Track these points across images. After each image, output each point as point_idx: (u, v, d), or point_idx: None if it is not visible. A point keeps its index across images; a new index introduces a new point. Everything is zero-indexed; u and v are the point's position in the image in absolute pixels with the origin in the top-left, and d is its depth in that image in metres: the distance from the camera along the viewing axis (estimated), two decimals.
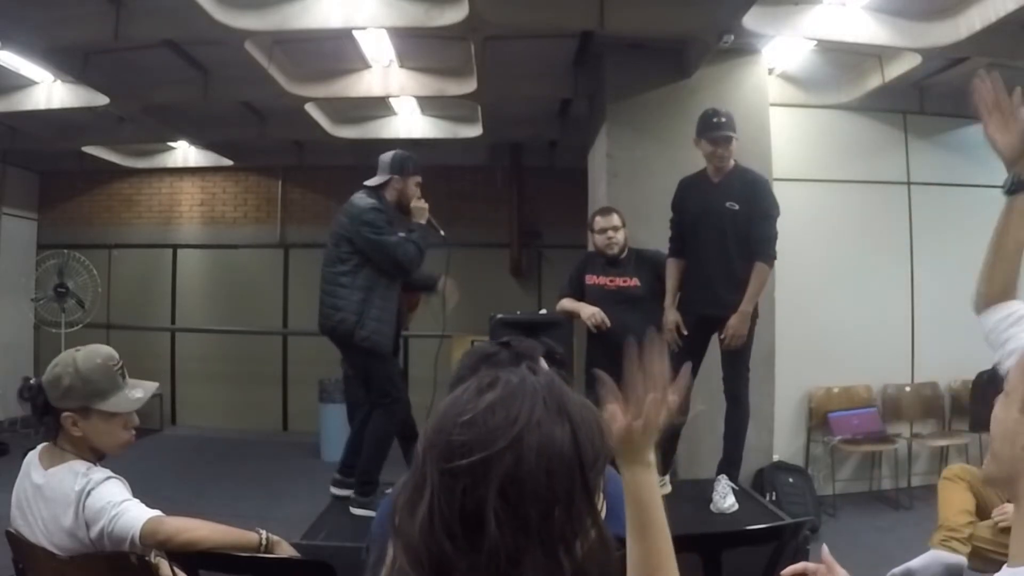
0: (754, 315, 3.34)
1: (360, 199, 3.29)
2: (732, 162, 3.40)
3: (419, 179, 3.39)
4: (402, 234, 3.25)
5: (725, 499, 3.22)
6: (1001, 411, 1.01)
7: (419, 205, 3.34)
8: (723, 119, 3.40)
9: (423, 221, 3.34)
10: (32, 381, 1.93)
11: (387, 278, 3.26)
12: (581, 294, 4.00)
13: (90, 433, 1.90)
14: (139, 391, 1.98)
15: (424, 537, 0.84)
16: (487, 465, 0.83)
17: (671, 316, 3.48)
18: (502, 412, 0.86)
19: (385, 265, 3.22)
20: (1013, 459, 0.97)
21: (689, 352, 3.43)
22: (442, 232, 3.47)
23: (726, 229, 3.31)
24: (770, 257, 3.28)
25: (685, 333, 3.45)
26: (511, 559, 0.83)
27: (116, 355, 1.97)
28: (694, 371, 3.42)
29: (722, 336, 3.30)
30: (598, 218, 4.07)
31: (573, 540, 0.86)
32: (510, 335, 3.84)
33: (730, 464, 3.35)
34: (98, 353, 1.94)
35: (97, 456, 1.94)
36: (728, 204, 3.31)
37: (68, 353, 1.94)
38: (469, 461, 0.83)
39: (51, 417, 1.90)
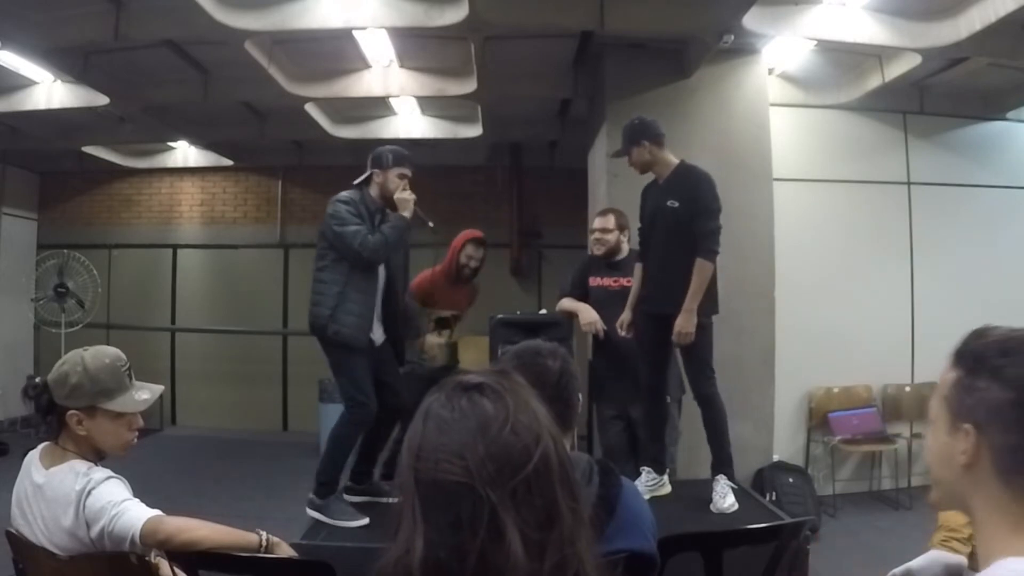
0: (705, 311, 3.29)
1: (338, 195, 3.29)
2: (676, 161, 3.38)
3: (402, 171, 3.31)
4: (358, 226, 3.22)
5: (725, 499, 3.21)
6: (931, 439, 1.07)
7: (403, 196, 3.28)
8: (623, 131, 3.45)
9: (407, 213, 3.27)
10: (38, 379, 1.94)
11: (361, 271, 3.21)
12: (584, 295, 4.00)
13: (95, 432, 1.90)
14: (146, 393, 1.99)
15: (523, 566, 0.80)
16: (546, 459, 0.83)
17: (623, 316, 3.59)
18: (523, 405, 0.86)
19: (348, 256, 3.18)
20: (955, 480, 1.02)
21: (649, 351, 3.43)
22: (430, 223, 3.41)
23: (668, 228, 3.31)
24: (710, 252, 3.22)
25: (624, 333, 3.56)
26: (572, 541, 0.83)
27: (124, 356, 1.99)
28: (660, 368, 3.42)
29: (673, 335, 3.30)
30: (596, 218, 4.10)
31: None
32: (510, 335, 3.86)
33: (721, 463, 3.33)
34: (106, 353, 1.95)
35: (98, 456, 1.94)
36: (669, 203, 3.30)
37: (76, 352, 1.94)
38: (535, 461, 0.82)
39: (54, 416, 1.90)
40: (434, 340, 4.41)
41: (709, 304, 3.33)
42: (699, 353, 3.32)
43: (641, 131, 3.35)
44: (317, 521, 3.08)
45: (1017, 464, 0.97)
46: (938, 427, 1.05)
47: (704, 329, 3.30)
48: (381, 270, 3.31)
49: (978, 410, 0.99)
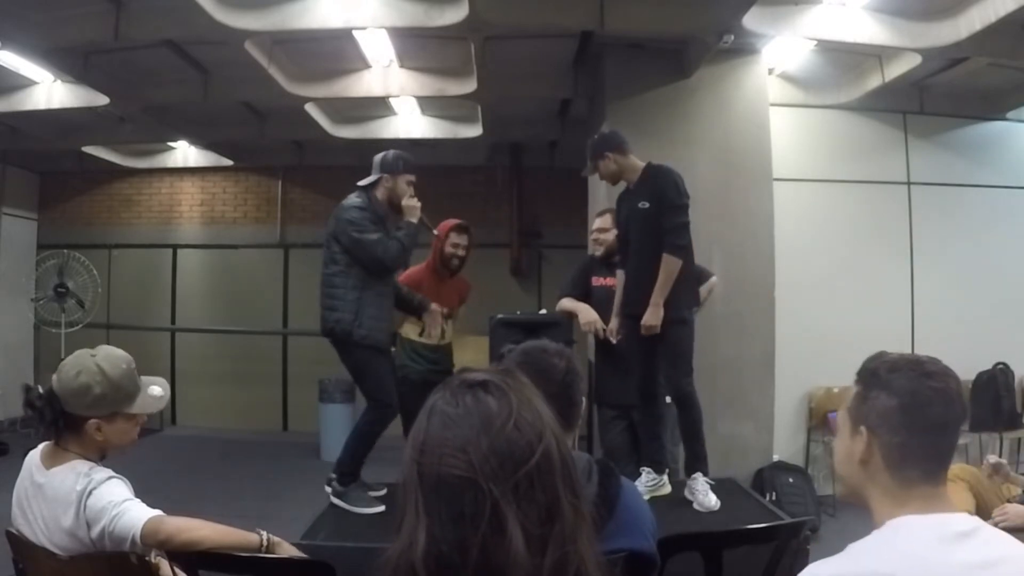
0: (685, 304, 3.29)
1: (348, 199, 3.34)
2: (643, 164, 3.40)
3: (411, 178, 3.38)
4: (378, 233, 3.27)
5: (707, 496, 3.20)
6: (837, 443, 1.30)
7: (410, 203, 3.35)
8: (587, 149, 3.47)
9: (414, 219, 3.34)
10: (41, 390, 1.90)
11: (378, 277, 3.29)
12: (585, 295, 4.00)
13: (111, 436, 1.91)
14: (156, 388, 2.01)
15: (524, 560, 0.81)
16: (548, 455, 0.85)
17: (611, 323, 3.61)
18: (526, 403, 0.88)
19: (367, 263, 3.24)
20: (854, 474, 1.23)
21: (636, 352, 3.43)
22: (435, 231, 3.51)
23: (642, 229, 3.33)
24: (675, 247, 3.22)
25: (614, 339, 3.58)
26: (573, 538, 0.84)
27: (130, 356, 1.98)
28: (651, 369, 3.42)
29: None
30: (596, 219, 4.10)
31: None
32: (510, 335, 3.86)
33: (698, 460, 3.31)
34: (119, 358, 1.95)
35: (100, 456, 1.94)
36: (640, 204, 3.32)
37: (85, 359, 1.91)
38: (537, 457, 0.84)
39: (62, 422, 1.88)
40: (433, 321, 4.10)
41: (688, 297, 3.34)
42: (677, 350, 3.31)
43: (602, 144, 3.39)
44: (317, 521, 3.10)
45: (901, 458, 1.18)
46: (842, 433, 1.27)
47: (685, 324, 3.30)
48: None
49: (871, 416, 1.21)
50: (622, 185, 3.52)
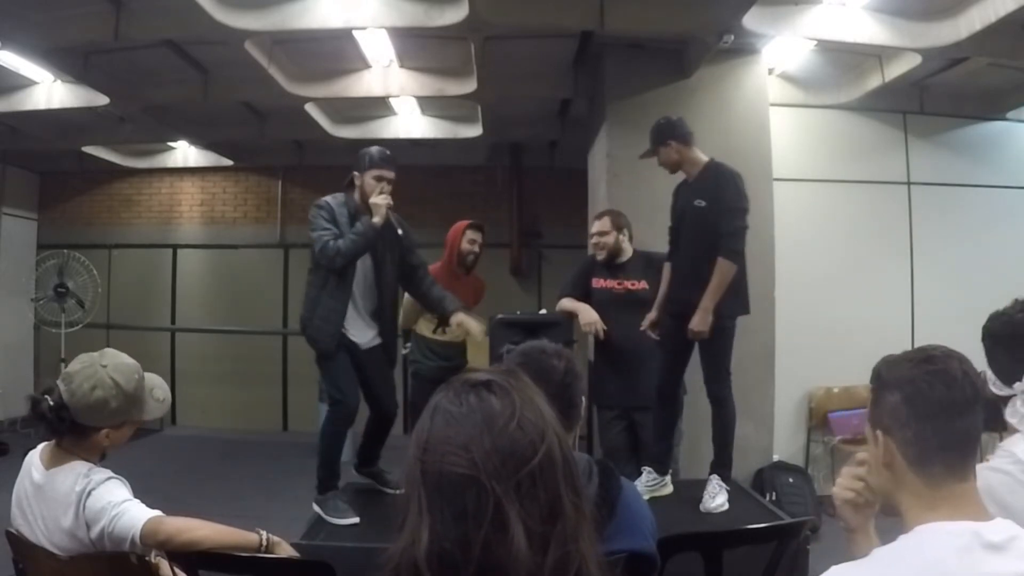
0: (730, 312, 3.25)
1: (319, 199, 3.31)
2: (705, 159, 3.36)
3: (380, 173, 3.20)
4: (327, 231, 3.16)
5: (714, 499, 3.20)
6: (868, 454, 1.29)
7: (375, 201, 3.17)
8: (650, 131, 3.44)
9: (378, 218, 3.15)
10: (51, 400, 1.88)
11: (337, 275, 3.16)
12: (584, 296, 3.99)
13: (116, 440, 1.93)
14: (159, 391, 2.03)
15: (526, 558, 0.82)
16: (550, 454, 0.85)
17: (649, 315, 3.51)
18: (529, 402, 0.88)
19: (318, 262, 3.18)
20: (885, 482, 1.22)
21: (670, 351, 3.41)
22: (399, 231, 3.34)
23: (696, 228, 3.27)
24: (731, 252, 3.14)
25: (651, 333, 3.50)
26: (575, 537, 0.85)
27: (137, 363, 1.99)
28: (677, 370, 3.41)
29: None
30: (594, 222, 4.09)
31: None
32: (510, 335, 3.86)
33: (720, 464, 3.32)
34: (131, 368, 1.95)
35: (100, 456, 1.94)
36: (696, 202, 3.27)
37: (98, 372, 1.89)
38: (540, 456, 0.84)
39: (68, 429, 1.88)
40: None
41: (736, 305, 3.28)
42: (718, 354, 3.29)
43: (668, 131, 3.35)
44: (317, 521, 3.10)
45: (920, 452, 1.16)
46: (869, 445, 1.26)
47: (726, 331, 3.26)
48: (367, 273, 3.25)
49: (882, 416, 1.21)
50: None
